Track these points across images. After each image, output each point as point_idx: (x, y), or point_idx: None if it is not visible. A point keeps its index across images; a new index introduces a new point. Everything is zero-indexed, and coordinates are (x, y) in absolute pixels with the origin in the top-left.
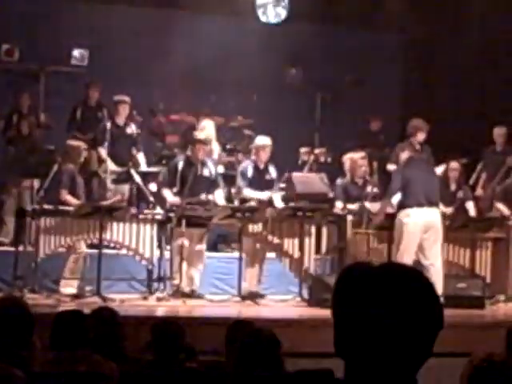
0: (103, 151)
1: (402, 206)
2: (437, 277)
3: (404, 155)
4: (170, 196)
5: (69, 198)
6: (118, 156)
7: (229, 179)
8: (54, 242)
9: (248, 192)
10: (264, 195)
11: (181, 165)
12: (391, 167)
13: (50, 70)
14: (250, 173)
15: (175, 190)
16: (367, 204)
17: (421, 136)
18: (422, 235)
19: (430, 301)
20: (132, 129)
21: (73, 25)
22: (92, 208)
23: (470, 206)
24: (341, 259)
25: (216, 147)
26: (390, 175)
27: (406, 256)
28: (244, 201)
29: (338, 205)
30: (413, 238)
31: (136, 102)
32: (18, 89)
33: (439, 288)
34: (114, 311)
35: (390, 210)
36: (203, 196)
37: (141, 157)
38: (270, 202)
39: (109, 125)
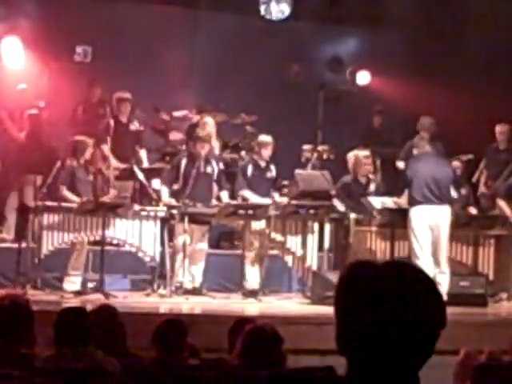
0: (106, 148)
1: (411, 202)
2: (443, 276)
3: (415, 151)
4: (165, 195)
5: (67, 194)
6: (121, 153)
7: (231, 176)
8: (57, 238)
9: (247, 194)
10: (262, 200)
11: (184, 162)
12: (400, 164)
13: (54, 67)
14: (249, 171)
15: (177, 186)
16: (371, 199)
17: (423, 134)
18: (431, 232)
19: (433, 299)
20: (135, 125)
21: (76, 21)
22: (95, 205)
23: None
24: (343, 257)
25: (216, 144)
26: (398, 172)
27: (419, 252)
28: (244, 200)
29: (337, 205)
30: (421, 234)
31: (139, 99)
32: (22, 85)
33: (445, 287)
34: (114, 308)
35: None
36: (199, 206)
37: (143, 153)
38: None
39: (112, 122)
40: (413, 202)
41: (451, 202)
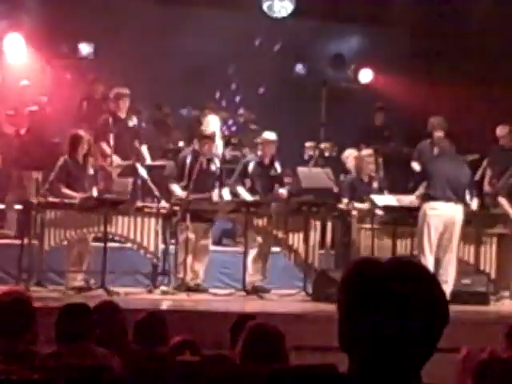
0: (105, 145)
1: (428, 198)
2: (448, 274)
3: (436, 150)
4: (178, 190)
5: (66, 191)
6: (121, 149)
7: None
8: (59, 234)
9: (240, 191)
10: (250, 198)
11: (189, 159)
12: (415, 165)
13: (57, 64)
14: (251, 168)
15: (183, 184)
16: (374, 197)
17: (438, 133)
18: (443, 229)
19: (436, 297)
20: (134, 121)
21: (79, 18)
22: (97, 201)
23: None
24: (346, 254)
25: (220, 142)
26: (413, 173)
27: (427, 249)
28: (235, 195)
29: (345, 201)
30: (434, 230)
31: (141, 96)
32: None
33: (449, 285)
34: (116, 305)
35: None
36: (209, 194)
37: (144, 149)
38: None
39: (111, 118)
40: (431, 198)
41: (465, 202)
